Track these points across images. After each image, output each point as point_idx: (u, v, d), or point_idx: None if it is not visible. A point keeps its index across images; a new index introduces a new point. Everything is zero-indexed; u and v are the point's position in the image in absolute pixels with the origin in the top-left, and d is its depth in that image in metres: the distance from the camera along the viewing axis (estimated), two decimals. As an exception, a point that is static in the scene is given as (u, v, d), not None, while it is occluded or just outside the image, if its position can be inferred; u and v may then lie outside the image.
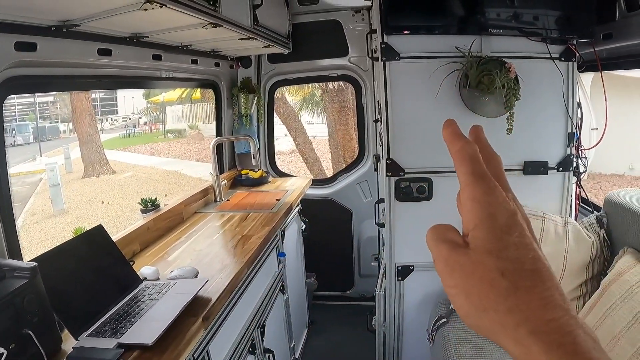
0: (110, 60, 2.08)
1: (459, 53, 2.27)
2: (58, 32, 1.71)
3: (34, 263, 1.29)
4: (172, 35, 2.26)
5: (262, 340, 2.20)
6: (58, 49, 1.77)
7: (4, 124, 1.62)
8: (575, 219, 2.52)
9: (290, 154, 11.19)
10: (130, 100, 17.90)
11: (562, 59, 2.34)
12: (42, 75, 1.81)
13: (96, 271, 1.62)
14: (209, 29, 2.08)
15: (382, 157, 2.45)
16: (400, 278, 2.54)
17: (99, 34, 1.95)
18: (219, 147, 3.51)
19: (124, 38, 2.11)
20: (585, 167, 2.54)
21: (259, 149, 3.76)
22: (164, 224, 2.42)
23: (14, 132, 14.00)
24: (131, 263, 1.88)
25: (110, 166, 12.56)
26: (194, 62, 2.87)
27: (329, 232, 3.93)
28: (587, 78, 2.63)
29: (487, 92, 2.19)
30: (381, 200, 2.71)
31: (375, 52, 2.44)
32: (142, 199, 2.47)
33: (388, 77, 2.33)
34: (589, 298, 2.00)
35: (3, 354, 1.12)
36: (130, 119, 18.23)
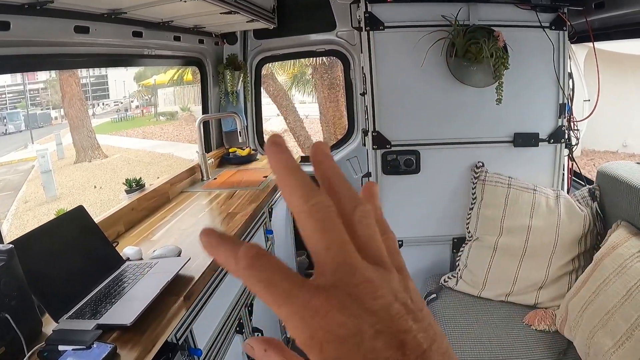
0: (88, 38, 2.01)
1: (446, 22, 2.21)
2: (31, 10, 1.64)
3: (11, 245, 1.26)
4: (151, 10, 2.18)
5: (250, 320, 2.18)
6: (33, 28, 1.71)
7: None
8: (568, 192, 2.49)
9: (282, 134, 11.13)
10: (121, 84, 17.79)
11: (553, 27, 2.29)
12: (19, 55, 1.75)
13: (77, 253, 1.59)
14: (188, 2, 2.01)
15: (369, 130, 2.41)
16: (389, 254, 2.50)
17: (74, 11, 1.88)
18: (205, 126, 3.46)
19: (102, 15, 2.04)
20: (578, 139, 2.49)
21: (246, 126, 3.70)
22: (149, 204, 2.37)
23: (5, 120, 13.91)
24: (114, 244, 1.85)
25: (102, 151, 12.51)
26: (177, 39, 2.79)
27: None
28: (580, 54, 2.58)
29: (474, 62, 2.14)
30: (368, 174, 2.66)
31: (360, 22, 2.37)
32: (126, 179, 2.42)
33: (372, 47, 2.28)
34: (582, 272, 1.98)
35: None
36: (121, 102, 18.10)
